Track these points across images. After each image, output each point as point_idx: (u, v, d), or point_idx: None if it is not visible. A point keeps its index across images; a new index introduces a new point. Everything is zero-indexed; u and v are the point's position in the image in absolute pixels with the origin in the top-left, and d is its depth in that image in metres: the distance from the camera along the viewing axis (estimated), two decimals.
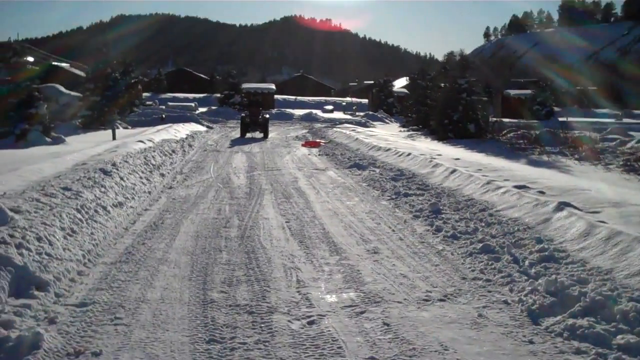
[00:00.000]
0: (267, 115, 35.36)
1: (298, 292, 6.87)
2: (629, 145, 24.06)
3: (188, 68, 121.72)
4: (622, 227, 7.71)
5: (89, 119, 37.21)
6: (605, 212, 8.85)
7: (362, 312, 6.23)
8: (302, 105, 78.87)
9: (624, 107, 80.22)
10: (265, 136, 32.55)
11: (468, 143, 27.93)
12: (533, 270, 7.19)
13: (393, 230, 10.13)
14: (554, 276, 6.71)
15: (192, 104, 61.57)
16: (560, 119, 42.47)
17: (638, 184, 15.74)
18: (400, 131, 40.48)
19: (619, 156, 21.00)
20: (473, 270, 7.71)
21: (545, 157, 22.26)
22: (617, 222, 8.08)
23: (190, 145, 25.40)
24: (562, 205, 9.11)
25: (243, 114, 35.23)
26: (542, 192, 10.75)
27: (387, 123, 53.62)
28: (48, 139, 24.56)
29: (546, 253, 7.57)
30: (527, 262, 7.48)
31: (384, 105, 67.57)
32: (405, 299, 6.65)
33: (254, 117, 33.09)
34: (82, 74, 53.58)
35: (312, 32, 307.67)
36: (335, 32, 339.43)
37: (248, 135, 33.07)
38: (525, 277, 7.10)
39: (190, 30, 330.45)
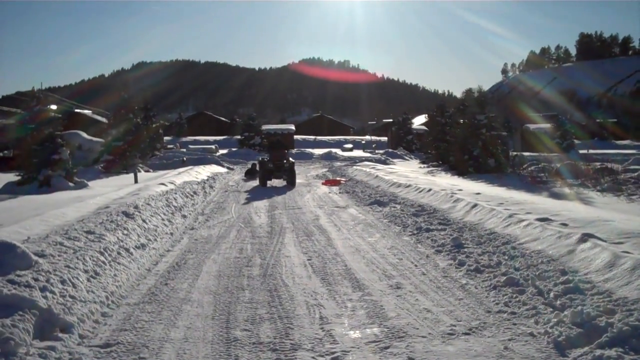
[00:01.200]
0: (292, 160, 28.15)
1: (321, 328, 6.84)
2: None
3: (208, 111, 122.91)
4: None
5: (112, 164, 37.63)
6: (629, 243, 8.74)
7: (386, 347, 6.18)
8: (321, 144, 79.27)
9: None
10: (292, 184, 26.79)
11: (488, 178, 27.85)
12: (558, 302, 7.10)
13: (415, 265, 10.08)
14: (579, 307, 6.63)
15: (213, 146, 62.06)
16: (581, 152, 42.25)
17: None
18: (420, 167, 40.45)
19: None
20: (497, 303, 7.64)
21: (567, 190, 22.11)
22: None
23: (211, 187, 25.54)
24: (585, 237, 9.02)
25: (262, 158, 28.46)
26: (565, 224, 10.66)
27: (407, 160, 53.64)
28: (71, 184, 24.83)
29: (571, 285, 7.48)
30: (552, 294, 7.40)
31: (403, 143, 67.79)
32: (429, 333, 6.60)
33: (278, 162, 27.01)
34: (103, 119, 54.39)
35: (329, 73, 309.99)
36: (353, 72, 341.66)
37: (255, 182, 28.71)
38: (551, 309, 7.02)
39: (210, 75, 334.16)
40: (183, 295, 8.26)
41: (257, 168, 28.28)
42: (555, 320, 6.60)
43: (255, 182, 28.80)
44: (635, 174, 24.59)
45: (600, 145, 63.31)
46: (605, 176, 24.17)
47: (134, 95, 44.18)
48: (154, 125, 49.46)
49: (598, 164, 28.84)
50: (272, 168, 26.72)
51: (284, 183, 27.36)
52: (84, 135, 44.64)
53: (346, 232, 13.72)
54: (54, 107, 30.38)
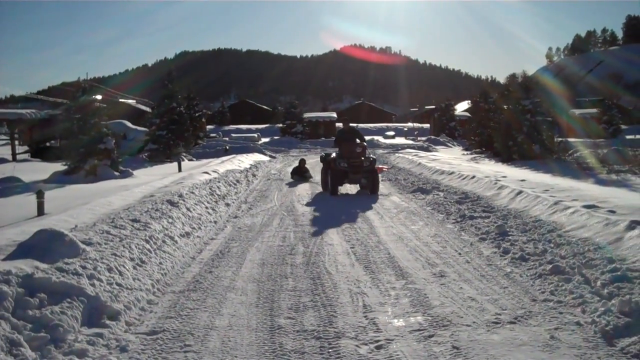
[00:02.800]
0: (372, 156, 20.62)
1: (365, 316, 6.84)
2: None
3: (250, 100, 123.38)
4: None
5: (156, 153, 38.10)
6: None
7: (430, 336, 6.15)
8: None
9: None
10: (373, 191, 18.86)
11: (533, 164, 27.47)
12: (606, 291, 6.98)
13: (459, 254, 10.00)
14: (627, 296, 6.50)
15: (255, 135, 62.36)
16: (628, 137, 41.39)
17: None
18: (463, 154, 40.13)
19: None
20: (543, 292, 7.55)
21: (614, 176, 21.70)
22: None
23: (254, 175, 25.69)
24: (634, 224, 8.82)
25: (325, 154, 20.97)
26: (612, 212, 10.46)
27: (450, 147, 53.25)
28: (116, 173, 25.21)
29: (619, 273, 7.33)
30: (599, 283, 7.27)
31: (446, 129, 67.25)
32: (474, 322, 6.54)
33: (355, 161, 18.70)
34: (147, 109, 55.04)
35: (371, 60, 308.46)
36: (395, 59, 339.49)
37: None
38: (598, 298, 6.90)
39: (251, 63, 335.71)
40: (227, 283, 8.33)
41: (322, 168, 20.38)
42: (603, 309, 6.49)
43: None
44: None
45: None
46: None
47: (177, 84, 44.46)
48: (197, 115, 49.88)
49: None
50: (346, 168, 18.60)
51: (356, 188, 19.90)
52: (129, 124, 45.32)
53: (389, 220, 13.68)
54: (99, 97, 30.79)
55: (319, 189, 20.24)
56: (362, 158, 18.79)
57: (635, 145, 30.80)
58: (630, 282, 7.02)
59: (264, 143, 55.28)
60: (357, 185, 19.54)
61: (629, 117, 72.01)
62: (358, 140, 19.61)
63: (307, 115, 71.74)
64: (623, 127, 55.59)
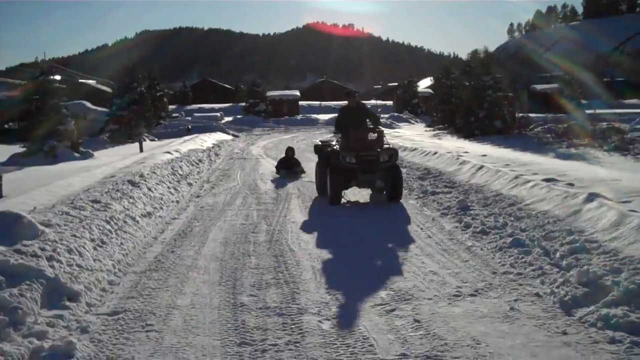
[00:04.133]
0: (392, 144, 14.55)
1: (328, 293, 6.85)
2: None
3: (212, 79, 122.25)
4: None
5: (117, 133, 37.66)
6: (636, 202, 8.70)
7: (392, 310, 6.20)
8: (326, 110, 78.89)
9: None
10: (396, 197, 12.90)
11: (495, 139, 27.73)
12: (564, 262, 7.09)
13: (421, 229, 10.08)
14: (586, 267, 6.61)
15: (218, 114, 61.88)
16: (588, 112, 41.91)
17: None
18: (426, 131, 40.33)
19: None
20: (503, 265, 7.65)
21: (573, 150, 22.02)
22: None
23: (216, 154, 25.53)
24: (592, 197, 8.96)
25: (323, 141, 15.36)
26: (571, 184, 10.62)
27: (413, 124, 53.45)
28: (76, 154, 24.88)
29: (577, 244, 7.45)
30: (558, 254, 7.39)
31: (408, 106, 67.33)
32: (435, 295, 6.61)
33: (368, 154, 12.76)
34: (108, 89, 54.30)
35: (334, 37, 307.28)
36: (358, 36, 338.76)
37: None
38: (557, 269, 7.01)
39: (213, 42, 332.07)
40: (189, 263, 8.28)
41: (318, 163, 14.25)
42: (561, 280, 6.60)
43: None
44: None
45: (608, 105, 62.80)
46: (612, 136, 24.04)
47: (137, 64, 43.90)
48: (158, 94, 49.36)
49: (605, 123, 28.66)
50: (355, 165, 12.70)
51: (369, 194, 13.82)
52: (89, 105, 44.61)
53: (352, 196, 13.70)
54: (57, 77, 30.29)
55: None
56: (378, 150, 12.82)
57: (595, 120, 31.13)
58: (588, 253, 7.15)
59: (227, 122, 54.80)
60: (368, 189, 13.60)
61: (589, 91, 72.88)
62: (370, 124, 13.71)
63: (270, 93, 71.21)
64: (583, 101, 56.24)
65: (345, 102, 14.47)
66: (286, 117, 64.15)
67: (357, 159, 12.48)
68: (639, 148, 20.63)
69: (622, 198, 9.00)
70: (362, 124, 13.50)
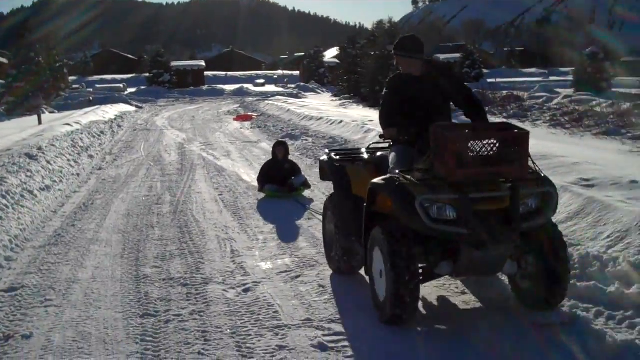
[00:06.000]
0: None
1: (233, 261, 6.85)
2: (555, 101, 24.61)
3: (115, 49, 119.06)
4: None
5: (14, 106, 36.26)
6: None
7: (297, 277, 6.28)
8: (233, 80, 78.28)
9: (551, 66, 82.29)
10: (554, 301, 4.95)
11: None
12: None
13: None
14: None
15: (121, 85, 60.48)
16: (489, 80, 43.13)
17: (564, 137, 16.18)
18: (332, 100, 40.51)
19: (545, 112, 21.48)
20: None
21: None
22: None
23: (119, 126, 24.91)
24: None
25: (356, 154, 6.55)
26: None
27: (319, 93, 53.62)
28: None
29: None
30: None
31: (315, 76, 67.55)
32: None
33: (489, 189, 4.81)
34: (4, 60, 52.08)
35: (240, 6, 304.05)
36: (264, 5, 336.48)
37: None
38: None
39: (115, 11, 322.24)
40: (91, 236, 8.10)
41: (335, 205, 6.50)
42: None
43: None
44: (540, 100, 25.36)
45: (508, 74, 64.83)
46: (511, 103, 24.84)
47: (35, 33, 42.24)
48: (57, 65, 47.65)
49: (505, 92, 29.55)
50: (457, 228, 4.69)
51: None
52: None
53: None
54: None
55: (188, 140, 19.75)
56: (511, 185, 4.81)
57: (495, 88, 32.04)
58: None
59: (131, 93, 53.59)
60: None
61: (491, 61, 74.95)
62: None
63: (174, 64, 69.78)
64: (485, 71, 57.78)
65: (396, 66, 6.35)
66: (191, 87, 63.30)
67: (460, 207, 4.76)
68: (536, 115, 21.37)
69: None
70: (444, 111, 5.95)
